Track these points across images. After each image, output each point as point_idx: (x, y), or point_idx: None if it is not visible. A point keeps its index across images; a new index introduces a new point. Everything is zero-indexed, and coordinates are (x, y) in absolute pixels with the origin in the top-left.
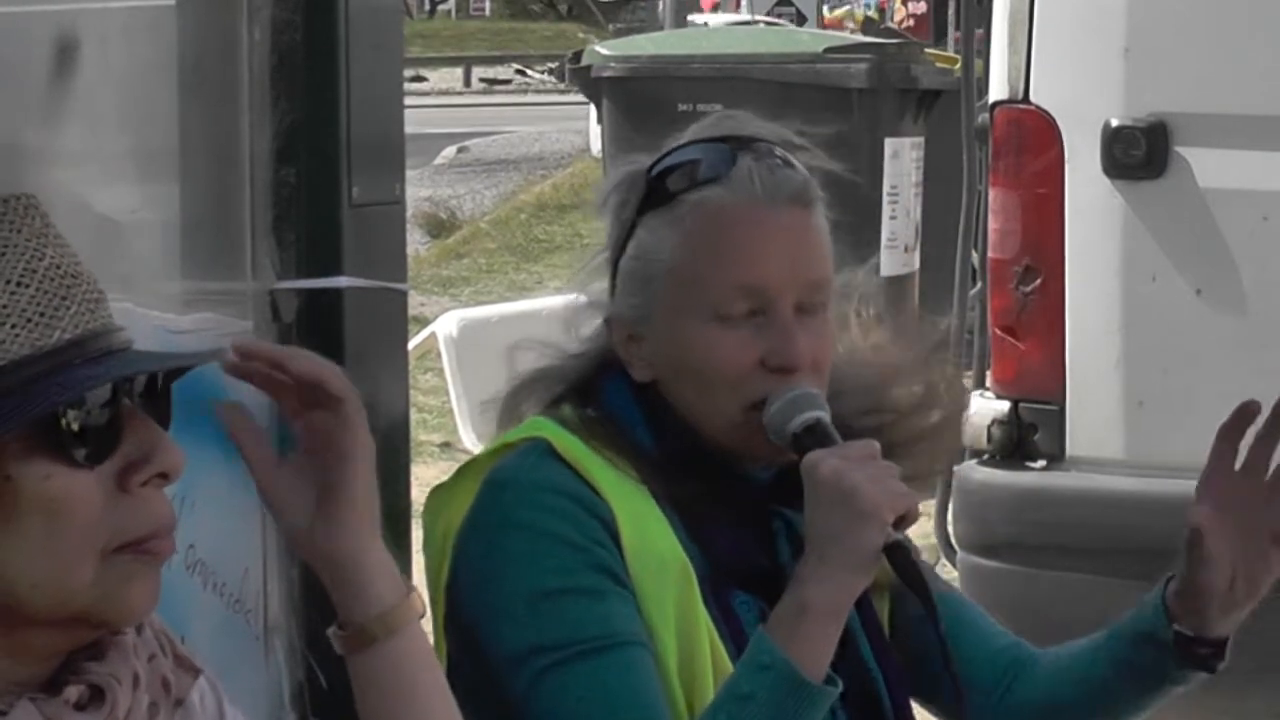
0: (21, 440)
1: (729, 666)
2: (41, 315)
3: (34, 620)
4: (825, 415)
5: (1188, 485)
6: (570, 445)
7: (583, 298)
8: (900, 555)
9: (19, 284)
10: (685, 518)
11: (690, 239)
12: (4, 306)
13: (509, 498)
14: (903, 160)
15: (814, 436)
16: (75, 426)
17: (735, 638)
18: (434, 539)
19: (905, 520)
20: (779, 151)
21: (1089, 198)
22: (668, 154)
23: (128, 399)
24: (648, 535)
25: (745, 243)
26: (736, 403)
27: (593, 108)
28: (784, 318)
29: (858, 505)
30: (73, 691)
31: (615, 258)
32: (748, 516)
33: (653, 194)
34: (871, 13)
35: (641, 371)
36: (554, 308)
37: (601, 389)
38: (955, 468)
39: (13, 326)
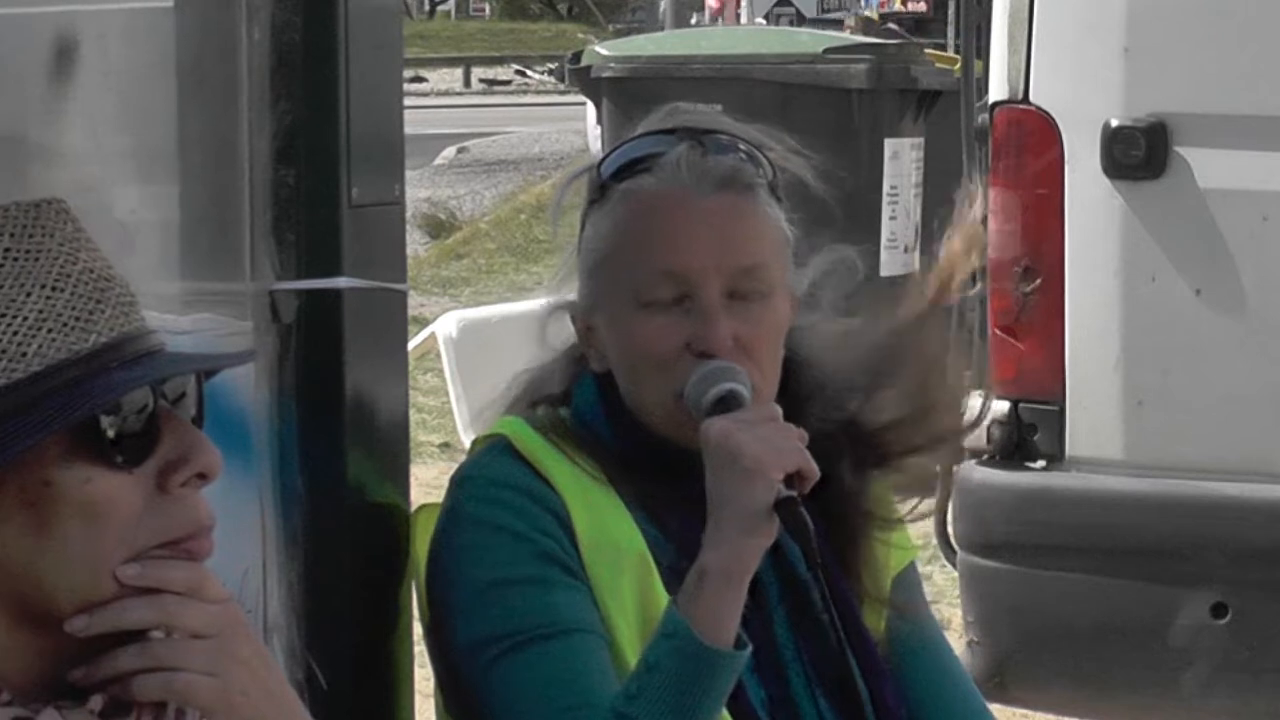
0: (60, 445)
1: None
2: (77, 319)
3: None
4: (740, 387)
5: (1187, 485)
6: (528, 441)
7: (555, 297)
8: (788, 511)
9: (54, 289)
10: (648, 507)
11: (619, 227)
12: (40, 311)
13: (463, 494)
14: (903, 160)
15: (724, 407)
16: (113, 430)
17: None
18: (417, 540)
19: (801, 479)
20: (721, 138)
21: (1089, 198)
22: (616, 148)
23: (164, 400)
24: (603, 526)
25: (668, 228)
26: (666, 390)
27: (591, 108)
28: (708, 303)
29: (742, 463)
30: (98, 700)
31: (575, 253)
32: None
33: (598, 187)
34: (872, 13)
35: (598, 362)
36: None
37: (572, 386)
38: (955, 468)
39: (49, 331)
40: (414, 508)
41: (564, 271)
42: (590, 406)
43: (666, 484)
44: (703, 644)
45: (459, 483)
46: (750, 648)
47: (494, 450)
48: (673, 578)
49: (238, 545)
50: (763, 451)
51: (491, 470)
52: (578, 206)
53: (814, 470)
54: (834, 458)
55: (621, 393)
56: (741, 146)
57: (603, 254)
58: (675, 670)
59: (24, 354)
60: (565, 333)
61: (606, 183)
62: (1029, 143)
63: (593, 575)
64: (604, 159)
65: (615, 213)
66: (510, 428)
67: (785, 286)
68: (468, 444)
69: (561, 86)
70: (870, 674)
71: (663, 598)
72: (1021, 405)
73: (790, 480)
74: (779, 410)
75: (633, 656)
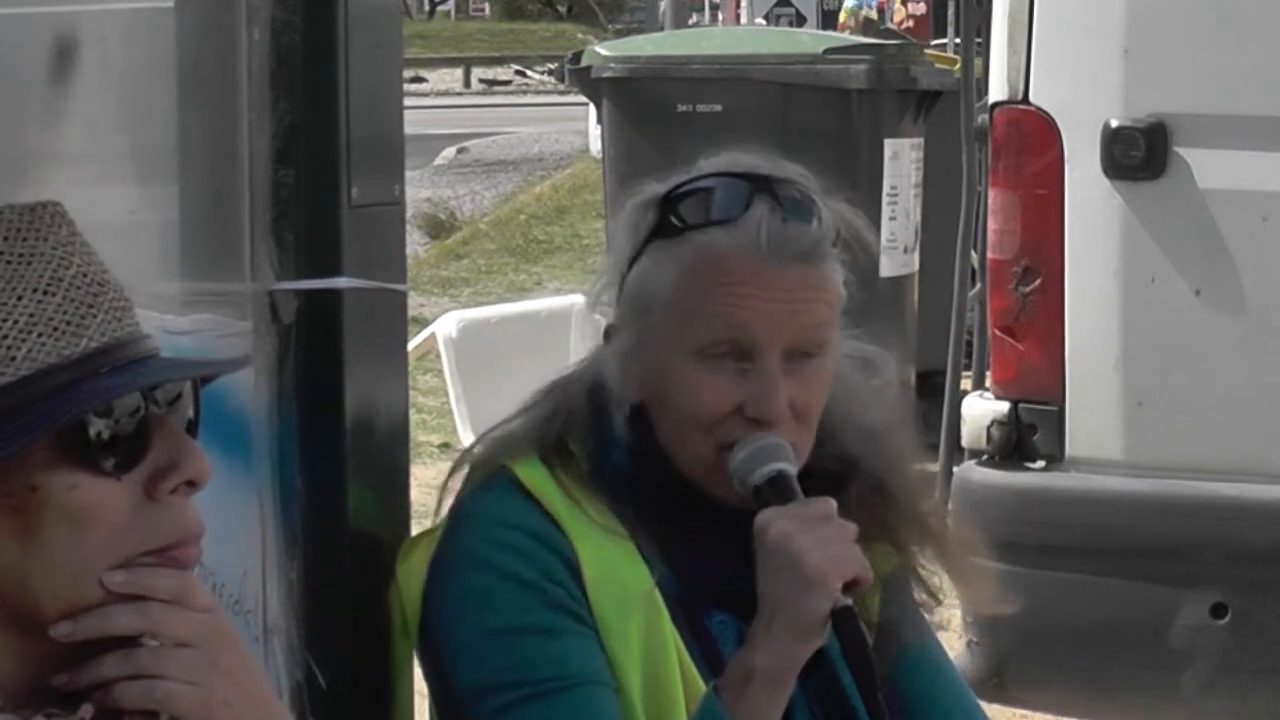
0: (48, 450)
1: (702, 688)
2: (68, 324)
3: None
4: (789, 467)
5: (1187, 486)
6: (536, 478)
7: (592, 305)
8: (845, 623)
9: (46, 292)
10: (658, 542)
11: (688, 278)
12: (31, 315)
13: (469, 533)
14: (902, 161)
15: (775, 490)
16: (104, 435)
17: (710, 659)
18: (410, 564)
19: (856, 585)
20: (799, 197)
21: (1089, 198)
22: (686, 182)
23: (155, 406)
24: (611, 567)
25: (740, 295)
26: (710, 443)
27: (592, 108)
28: (769, 370)
29: (804, 571)
30: (88, 709)
31: (623, 273)
32: (724, 537)
33: (664, 222)
34: (871, 13)
35: (630, 393)
36: (554, 308)
37: (587, 412)
38: (955, 468)
39: (39, 335)
40: (412, 513)
41: (601, 285)
42: (608, 434)
43: (680, 519)
44: None
45: (463, 520)
46: None
47: (498, 486)
48: (679, 611)
49: (238, 545)
50: (825, 560)
51: (497, 509)
52: (579, 208)
53: (869, 578)
54: (827, 490)
55: (655, 430)
56: (816, 207)
57: (662, 298)
58: None
59: (13, 358)
60: (588, 343)
61: (675, 221)
62: (1029, 143)
63: (599, 617)
64: (673, 190)
65: (684, 262)
66: (518, 460)
67: (835, 344)
68: (468, 444)
69: (561, 87)
70: (873, 712)
71: (671, 637)
72: (1021, 406)
73: (846, 586)
74: (834, 505)
75: (639, 700)
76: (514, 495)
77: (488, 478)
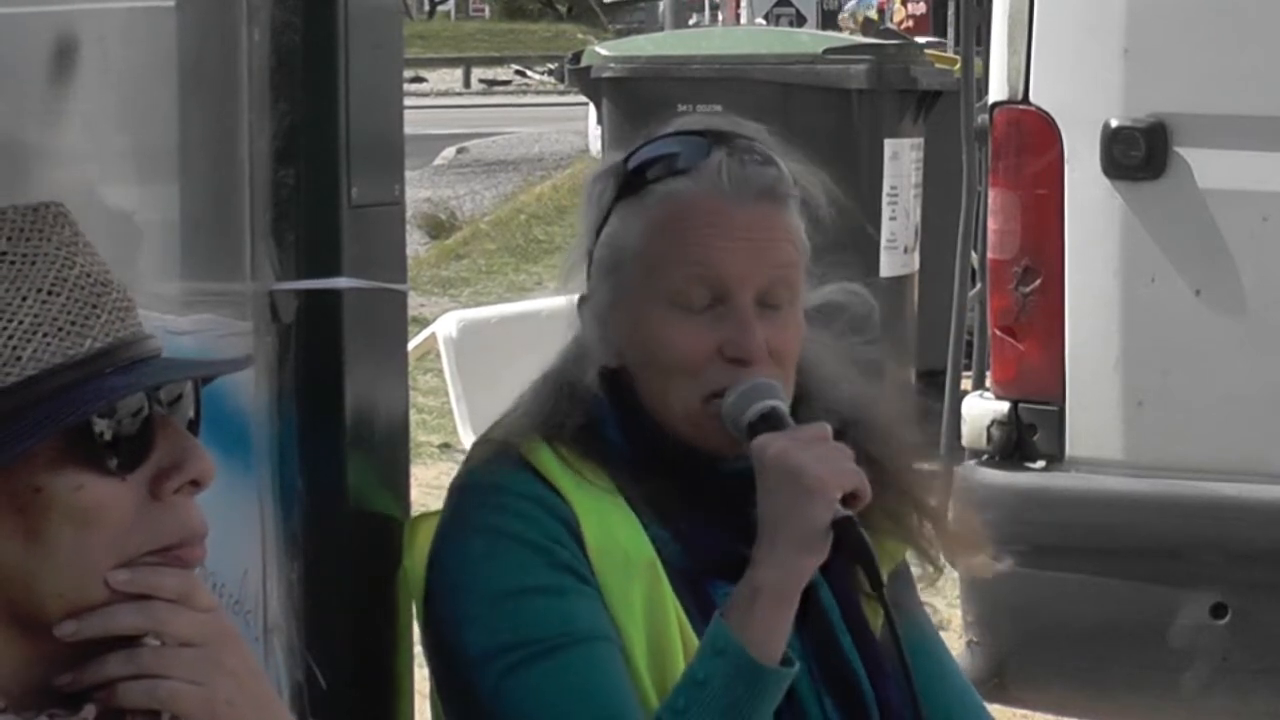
0: (52, 450)
1: None
2: (73, 324)
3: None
4: (781, 404)
5: (1187, 486)
6: (538, 451)
7: (564, 292)
8: (848, 530)
9: (50, 293)
10: (659, 513)
11: (656, 228)
12: (36, 315)
13: (470, 501)
14: (902, 161)
15: (768, 424)
16: (107, 435)
17: None
18: (416, 547)
19: (855, 498)
20: (758, 148)
21: (1088, 198)
22: (644, 145)
23: (159, 406)
24: (612, 533)
25: (707, 235)
26: (694, 392)
27: (592, 108)
28: (742, 309)
29: (803, 482)
30: (90, 710)
31: (591, 246)
32: (725, 507)
33: (627, 184)
34: (871, 13)
35: (609, 358)
36: (554, 308)
37: (577, 390)
38: (955, 468)
39: (44, 335)
40: (412, 514)
41: (569, 265)
42: (598, 409)
43: (678, 487)
44: (756, 662)
45: (463, 490)
46: (798, 665)
47: (499, 457)
48: (682, 582)
49: (238, 545)
50: (824, 471)
51: (498, 477)
52: (579, 208)
53: (867, 491)
54: None
55: (638, 391)
56: (773, 156)
57: (632, 251)
58: (726, 687)
59: (18, 358)
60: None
61: (637, 180)
62: (1029, 143)
63: (602, 583)
64: (631, 154)
65: (650, 213)
66: (516, 434)
67: (803, 297)
68: (468, 444)
69: (561, 87)
70: (875, 675)
71: (672, 606)
72: (1021, 405)
73: (845, 500)
74: (829, 428)
75: (643, 663)
76: (516, 467)
77: (493, 455)
